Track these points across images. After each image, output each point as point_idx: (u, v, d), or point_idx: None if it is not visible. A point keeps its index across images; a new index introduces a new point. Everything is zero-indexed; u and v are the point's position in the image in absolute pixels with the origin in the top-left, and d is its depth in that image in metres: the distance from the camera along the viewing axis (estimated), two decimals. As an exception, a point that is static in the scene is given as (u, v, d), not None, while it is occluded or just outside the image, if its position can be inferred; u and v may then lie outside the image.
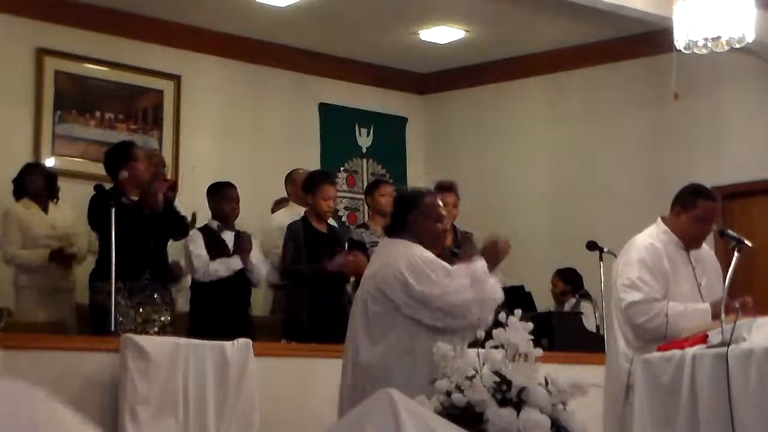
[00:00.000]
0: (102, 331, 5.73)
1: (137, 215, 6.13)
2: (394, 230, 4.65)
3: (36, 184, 7.25)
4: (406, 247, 4.54)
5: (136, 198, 6.23)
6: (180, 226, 6.48)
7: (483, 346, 4.15)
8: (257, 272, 7.01)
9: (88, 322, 6.36)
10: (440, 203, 4.71)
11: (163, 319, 6.14)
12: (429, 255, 4.54)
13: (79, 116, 8.54)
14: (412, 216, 4.59)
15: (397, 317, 4.44)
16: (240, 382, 5.48)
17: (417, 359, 4.37)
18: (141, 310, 6.05)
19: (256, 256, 7.06)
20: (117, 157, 6.40)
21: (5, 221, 7.17)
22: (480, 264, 4.58)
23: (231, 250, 6.97)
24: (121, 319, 5.87)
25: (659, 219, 5.33)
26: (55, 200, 7.35)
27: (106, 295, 5.82)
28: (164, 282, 6.37)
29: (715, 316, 4.84)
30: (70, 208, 7.29)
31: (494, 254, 4.74)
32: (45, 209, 7.26)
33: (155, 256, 6.29)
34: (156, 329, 6.04)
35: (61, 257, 7.09)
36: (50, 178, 7.40)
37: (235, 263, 6.83)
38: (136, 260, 6.06)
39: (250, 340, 5.61)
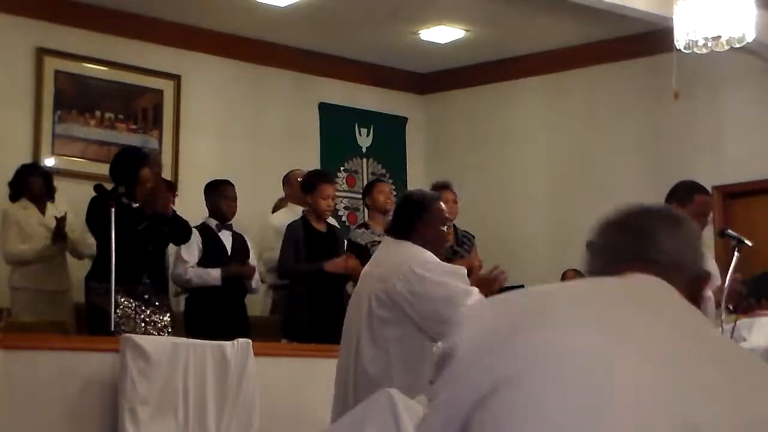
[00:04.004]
0: (99, 331, 5.72)
1: (138, 220, 6.10)
2: (400, 232, 4.56)
3: (38, 185, 7.26)
4: (414, 249, 4.47)
5: (139, 204, 6.19)
6: (184, 233, 6.48)
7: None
8: (256, 284, 7.11)
9: (85, 322, 6.36)
10: (444, 207, 4.69)
11: (164, 321, 6.13)
12: (443, 263, 4.53)
13: (79, 116, 8.54)
14: (421, 220, 4.51)
15: (404, 323, 4.35)
16: (240, 382, 5.48)
17: (420, 369, 4.30)
18: (142, 312, 6.03)
19: (253, 261, 7.13)
20: (128, 163, 6.34)
21: (3, 221, 7.18)
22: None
23: (229, 251, 6.99)
24: (122, 320, 5.86)
25: None
26: (51, 201, 7.36)
27: (103, 296, 5.81)
28: (163, 287, 6.36)
29: (718, 304, 4.88)
30: (68, 208, 7.29)
31: (489, 286, 4.69)
32: (42, 210, 7.26)
33: (154, 262, 6.28)
34: (158, 332, 6.03)
35: (59, 231, 7.03)
36: (48, 178, 7.41)
37: (214, 277, 6.84)
38: (135, 264, 6.04)
39: (249, 341, 5.61)
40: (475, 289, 4.34)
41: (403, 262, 4.35)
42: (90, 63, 8.62)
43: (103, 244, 5.95)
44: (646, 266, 1.77)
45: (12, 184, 7.30)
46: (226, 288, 6.88)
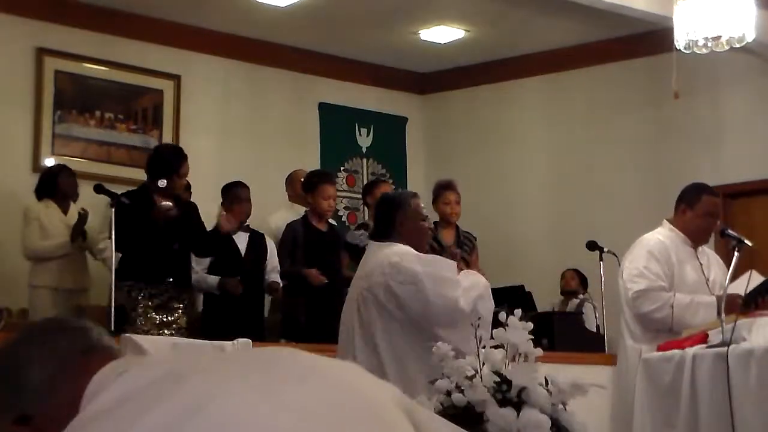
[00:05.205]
0: (119, 330, 5.73)
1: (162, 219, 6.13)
2: (382, 233, 4.67)
3: (71, 185, 7.32)
4: (394, 246, 4.56)
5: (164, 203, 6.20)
6: (208, 249, 6.54)
7: (483, 346, 4.15)
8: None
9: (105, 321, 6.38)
10: (422, 204, 4.81)
11: (180, 322, 6.13)
12: (422, 256, 4.59)
13: (79, 116, 8.54)
14: (400, 216, 4.63)
15: (388, 321, 4.43)
16: (239, 382, 5.46)
17: (409, 366, 4.36)
18: (160, 313, 6.04)
19: (273, 259, 7.14)
20: (171, 156, 6.34)
21: (25, 219, 7.24)
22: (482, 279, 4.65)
23: (243, 252, 7.00)
24: (140, 319, 5.90)
25: (664, 221, 5.41)
26: (74, 201, 7.42)
27: (125, 294, 5.87)
28: (186, 288, 6.37)
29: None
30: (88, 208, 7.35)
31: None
32: (65, 210, 7.31)
33: (179, 261, 6.26)
34: (172, 332, 6.02)
35: (79, 226, 7.04)
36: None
37: (210, 285, 6.87)
38: (159, 264, 6.05)
39: (249, 340, 5.59)
40: (459, 279, 4.49)
41: (383, 259, 4.44)
42: (90, 63, 8.62)
43: (122, 244, 5.96)
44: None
45: (41, 183, 7.34)
46: (245, 289, 6.89)
